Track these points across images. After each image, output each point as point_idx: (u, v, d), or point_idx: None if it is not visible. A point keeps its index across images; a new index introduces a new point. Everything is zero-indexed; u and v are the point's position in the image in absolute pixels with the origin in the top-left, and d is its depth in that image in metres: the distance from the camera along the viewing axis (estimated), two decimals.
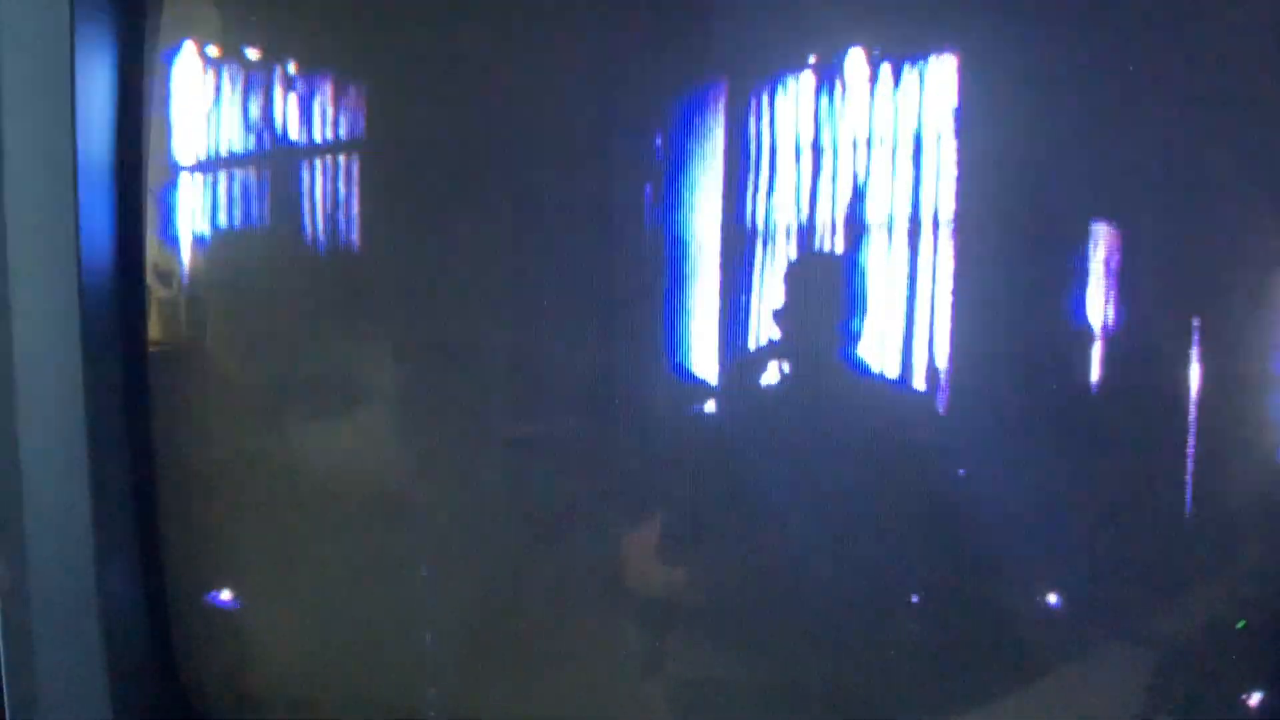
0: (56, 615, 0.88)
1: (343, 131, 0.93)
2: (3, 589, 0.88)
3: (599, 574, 0.92)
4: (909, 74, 0.80)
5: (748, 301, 0.84)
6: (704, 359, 0.86)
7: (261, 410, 1.00)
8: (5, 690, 0.88)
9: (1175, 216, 0.79)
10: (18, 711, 0.87)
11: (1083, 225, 0.79)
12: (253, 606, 0.98)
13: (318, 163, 0.93)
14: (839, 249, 0.83)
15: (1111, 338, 0.79)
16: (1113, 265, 0.78)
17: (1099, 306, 0.79)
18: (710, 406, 0.87)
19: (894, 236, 0.81)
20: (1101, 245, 0.79)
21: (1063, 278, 0.80)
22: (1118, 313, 0.79)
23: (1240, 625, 0.80)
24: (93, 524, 0.89)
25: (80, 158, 0.88)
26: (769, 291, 0.84)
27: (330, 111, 0.93)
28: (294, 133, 0.94)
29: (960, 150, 0.80)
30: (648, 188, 0.87)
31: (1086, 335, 0.80)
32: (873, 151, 0.81)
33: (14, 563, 0.88)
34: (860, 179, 0.82)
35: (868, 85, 0.81)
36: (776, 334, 0.85)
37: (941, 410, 0.82)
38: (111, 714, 0.89)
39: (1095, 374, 0.80)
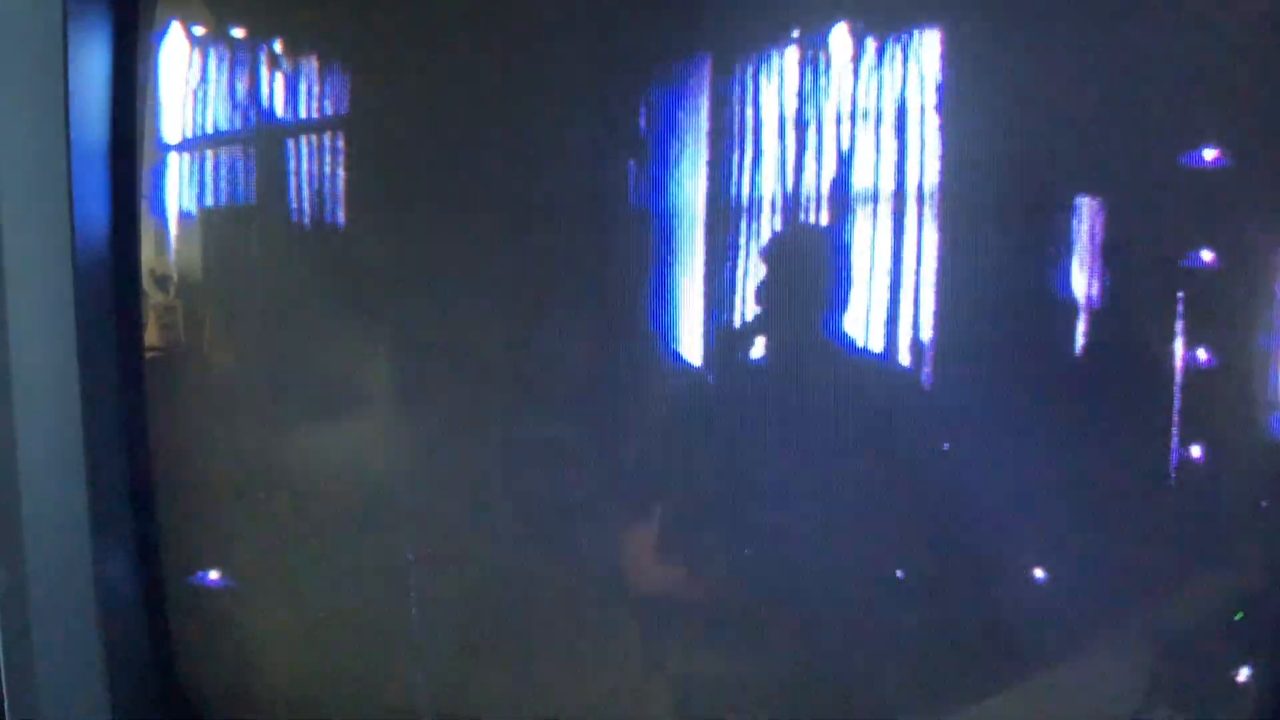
0: (55, 617, 0.90)
1: (329, 120, 0.94)
2: (1, 591, 0.89)
3: (593, 569, 0.93)
4: (893, 49, 0.80)
5: (733, 278, 0.85)
6: (690, 337, 0.87)
7: (259, 410, 1.01)
8: (5, 691, 0.89)
9: (1162, 191, 0.79)
10: (17, 712, 0.89)
11: (1068, 200, 0.79)
12: (252, 607, 1.00)
13: (307, 151, 0.94)
14: (825, 224, 0.84)
15: (1099, 314, 0.80)
16: (1098, 240, 0.78)
17: (1085, 281, 0.79)
18: (697, 389, 0.88)
19: (879, 211, 0.82)
20: (1087, 220, 0.78)
21: (1048, 252, 0.80)
22: (1105, 288, 0.79)
23: (1238, 617, 0.80)
24: (90, 525, 0.90)
25: (75, 149, 0.88)
26: (755, 267, 0.84)
27: (317, 99, 0.94)
28: (289, 124, 0.95)
29: (944, 125, 0.80)
30: (631, 165, 0.88)
31: (1073, 310, 0.80)
32: (857, 127, 0.82)
33: (12, 564, 0.89)
34: (845, 154, 0.82)
35: (852, 60, 0.82)
36: (761, 310, 0.85)
37: (927, 385, 0.83)
38: (111, 715, 0.90)
39: (1082, 352, 0.80)
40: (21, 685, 0.89)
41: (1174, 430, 0.79)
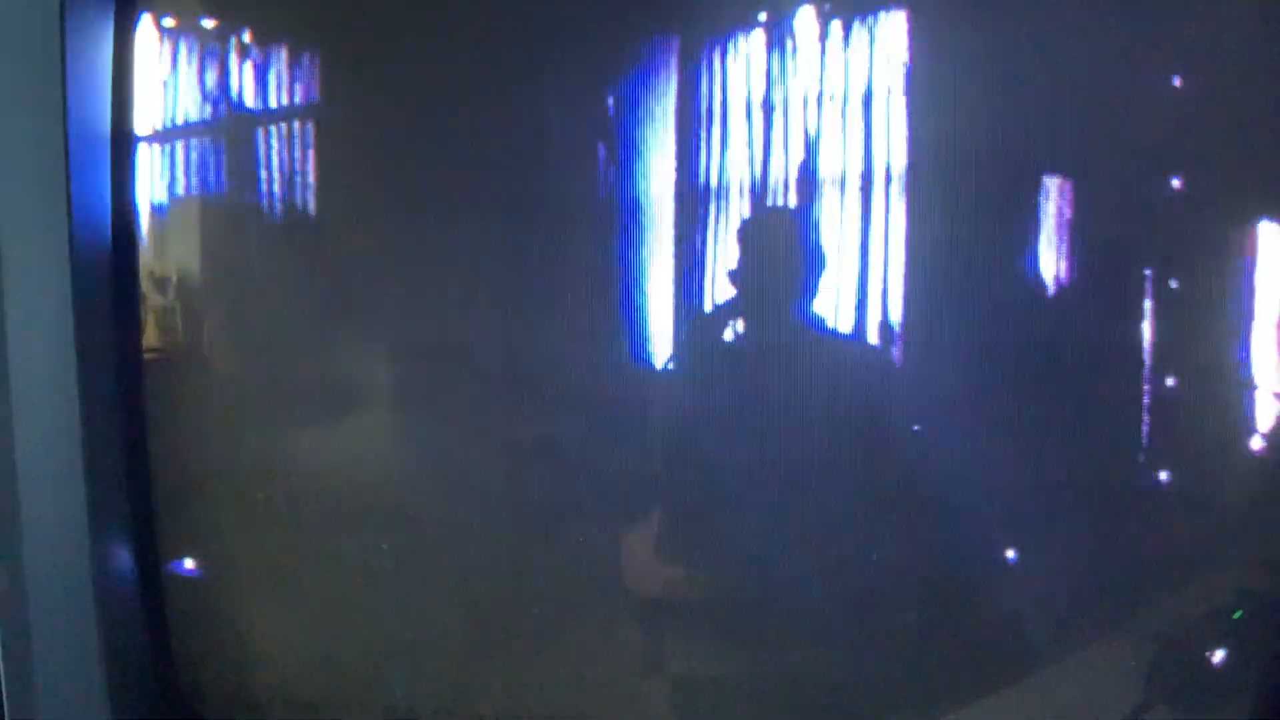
0: (54, 618, 0.92)
1: (305, 115, 0.95)
2: (1, 591, 0.89)
3: (575, 569, 0.93)
4: (859, 31, 0.80)
5: (704, 263, 0.85)
6: (661, 326, 0.87)
7: (257, 411, 1.02)
8: (4, 691, 0.90)
9: (1131, 170, 0.78)
10: (17, 712, 0.89)
11: (1035, 180, 0.79)
12: (251, 607, 1.01)
13: (295, 147, 0.95)
14: (794, 206, 0.84)
15: (1079, 299, 0.79)
16: (1066, 222, 0.78)
17: (1056, 263, 0.79)
18: (674, 379, 0.88)
19: (847, 193, 0.81)
20: (1055, 199, 0.78)
21: (1017, 232, 0.80)
22: (1078, 270, 0.79)
23: (1237, 615, 0.79)
24: (89, 525, 0.91)
25: (73, 145, 0.89)
26: (727, 252, 0.84)
27: (299, 92, 0.95)
28: (281, 122, 0.96)
29: (911, 106, 0.80)
30: (601, 148, 0.88)
31: (1051, 295, 0.79)
32: (824, 108, 0.81)
33: (12, 564, 0.90)
34: (812, 136, 0.82)
35: (818, 42, 0.81)
36: (737, 294, 0.85)
37: (909, 367, 0.83)
38: (110, 715, 0.91)
39: (1064, 339, 0.79)
40: (21, 685, 0.91)
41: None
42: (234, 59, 0.97)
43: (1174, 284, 0.77)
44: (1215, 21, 0.75)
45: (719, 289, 0.85)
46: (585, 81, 0.88)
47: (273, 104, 0.95)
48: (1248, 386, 0.77)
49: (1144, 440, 0.79)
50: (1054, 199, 0.78)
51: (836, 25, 0.80)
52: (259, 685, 0.99)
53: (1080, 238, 0.78)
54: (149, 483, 0.97)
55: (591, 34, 0.88)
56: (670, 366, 0.88)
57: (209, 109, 0.97)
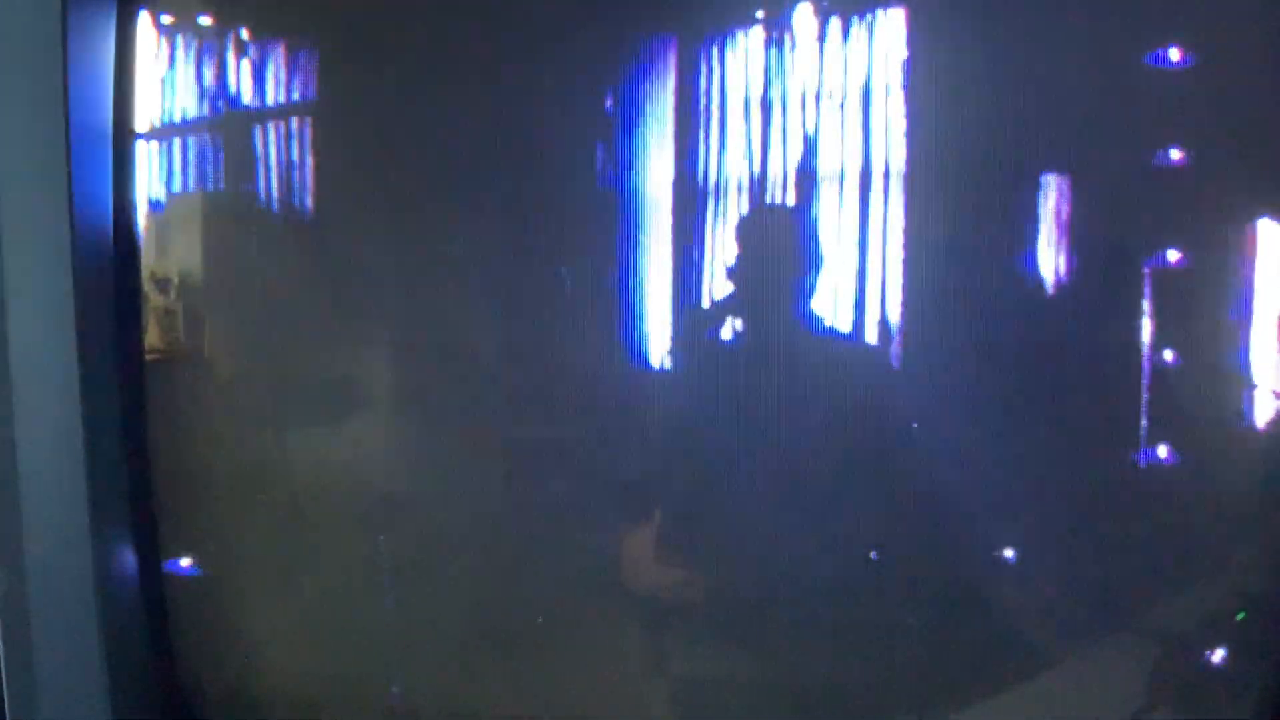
0: (55, 617, 0.91)
1: (306, 113, 0.96)
2: (1, 591, 0.89)
3: (576, 569, 0.93)
4: (858, 28, 0.80)
5: (703, 262, 0.85)
6: (660, 324, 0.87)
7: (259, 411, 1.02)
8: (6, 692, 0.89)
9: (1128, 167, 0.78)
10: (17, 712, 0.89)
11: (1034, 177, 0.79)
12: (252, 607, 1.00)
13: (295, 146, 0.95)
14: (792, 204, 0.84)
15: (1078, 300, 0.79)
16: (1065, 221, 0.78)
17: (1055, 262, 0.79)
18: (667, 379, 0.88)
19: (845, 190, 0.82)
20: (1053, 196, 0.78)
21: (1016, 230, 0.80)
22: (1077, 268, 0.79)
23: (1240, 617, 0.79)
24: (90, 525, 0.91)
25: (75, 145, 0.89)
26: (726, 249, 0.85)
27: (301, 91, 0.95)
28: (280, 119, 0.96)
29: (909, 103, 0.80)
30: (599, 147, 0.88)
31: (1049, 293, 0.79)
32: (823, 106, 0.82)
33: (12, 564, 0.90)
34: (810, 134, 0.82)
35: (817, 39, 0.81)
36: (731, 291, 0.85)
37: (914, 367, 0.83)
38: (110, 715, 0.90)
39: (1063, 340, 0.79)
40: (22, 685, 0.90)
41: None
42: (236, 56, 0.96)
43: (1174, 283, 0.77)
44: (1215, 18, 0.76)
45: (717, 287, 0.85)
46: (584, 80, 0.88)
47: (275, 101, 0.95)
48: (1249, 386, 0.78)
49: (1145, 440, 0.79)
50: (1053, 196, 0.78)
51: (835, 23, 0.80)
52: (259, 685, 0.99)
53: (1079, 235, 0.78)
54: (150, 483, 0.97)
55: (590, 32, 0.88)
56: (669, 365, 0.88)
57: (211, 106, 0.97)
